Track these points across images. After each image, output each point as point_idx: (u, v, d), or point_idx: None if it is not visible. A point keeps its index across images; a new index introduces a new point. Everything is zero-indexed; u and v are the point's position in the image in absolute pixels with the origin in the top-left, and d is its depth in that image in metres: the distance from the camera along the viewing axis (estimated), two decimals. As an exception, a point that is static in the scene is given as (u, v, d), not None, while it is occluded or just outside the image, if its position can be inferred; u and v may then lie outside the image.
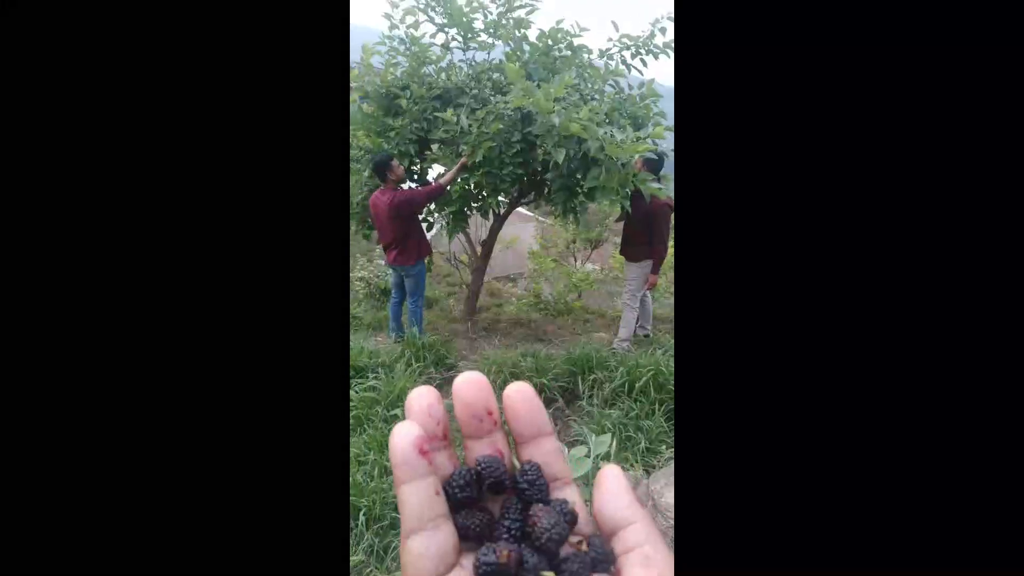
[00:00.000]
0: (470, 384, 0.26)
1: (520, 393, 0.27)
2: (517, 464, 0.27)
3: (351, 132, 3.38)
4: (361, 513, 1.82)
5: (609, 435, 1.12)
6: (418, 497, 0.24)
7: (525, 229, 6.24)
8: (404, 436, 0.24)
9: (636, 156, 2.43)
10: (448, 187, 3.01)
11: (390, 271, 3.47)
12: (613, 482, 0.26)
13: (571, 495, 0.27)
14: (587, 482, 1.09)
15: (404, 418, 0.25)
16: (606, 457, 1.34)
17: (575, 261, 6.41)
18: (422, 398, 0.26)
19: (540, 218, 6.37)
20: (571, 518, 0.25)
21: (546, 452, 0.27)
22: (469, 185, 3.14)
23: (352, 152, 3.48)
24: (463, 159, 2.89)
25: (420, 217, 3.23)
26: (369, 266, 4.95)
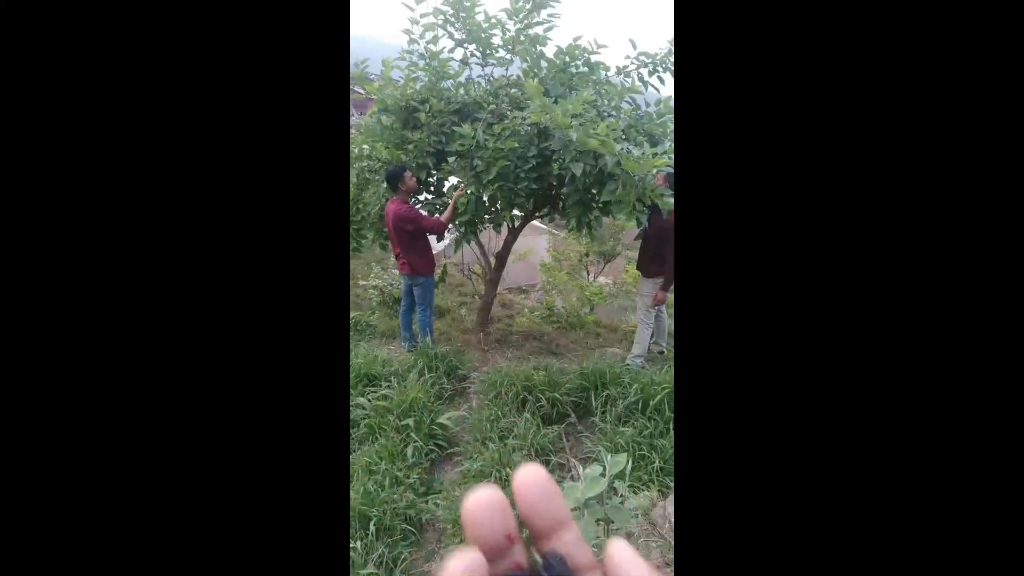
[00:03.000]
0: (482, 506, 0.23)
1: (534, 480, 0.23)
2: (538, 559, 0.24)
3: (371, 144, 3.44)
4: (372, 523, 1.81)
5: (625, 454, 1.10)
6: None
7: (538, 241, 6.26)
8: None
9: (657, 171, 2.43)
10: (448, 224, 3.11)
11: (402, 279, 3.50)
12: (631, 562, 0.23)
13: None
14: (601, 502, 1.07)
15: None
16: (621, 476, 1.31)
17: (588, 275, 6.39)
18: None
19: (553, 231, 6.39)
20: None
21: (568, 544, 0.24)
22: (483, 197, 3.18)
23: (370, 163, 3.53)
24: (457, 192, 3.01)
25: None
26: (383, 274, 4.99)
